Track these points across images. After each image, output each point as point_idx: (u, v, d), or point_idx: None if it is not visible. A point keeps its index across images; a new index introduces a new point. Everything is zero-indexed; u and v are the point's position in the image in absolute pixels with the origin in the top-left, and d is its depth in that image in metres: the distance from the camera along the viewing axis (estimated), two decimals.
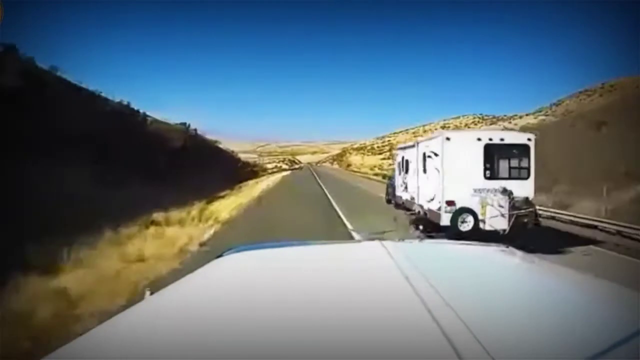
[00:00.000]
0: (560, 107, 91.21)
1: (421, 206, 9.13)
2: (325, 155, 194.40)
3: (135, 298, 1.02)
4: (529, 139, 8.19)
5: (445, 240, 1.69)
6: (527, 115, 76.47)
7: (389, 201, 15.40)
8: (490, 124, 75.99)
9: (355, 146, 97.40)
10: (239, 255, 1.31)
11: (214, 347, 0.69)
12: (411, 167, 10.38)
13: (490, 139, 8.02)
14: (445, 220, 7.73)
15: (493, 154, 7.95)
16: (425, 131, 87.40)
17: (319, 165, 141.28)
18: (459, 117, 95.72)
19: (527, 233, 7.42)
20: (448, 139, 8.05)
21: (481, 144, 7.87)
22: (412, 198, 9.97)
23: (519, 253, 1.40)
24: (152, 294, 1.04)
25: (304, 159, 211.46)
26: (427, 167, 8.85)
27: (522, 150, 8.07)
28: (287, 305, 0.86)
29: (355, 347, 0.67)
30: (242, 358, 0.65)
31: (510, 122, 73.83)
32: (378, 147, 74.51)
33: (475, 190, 7.69)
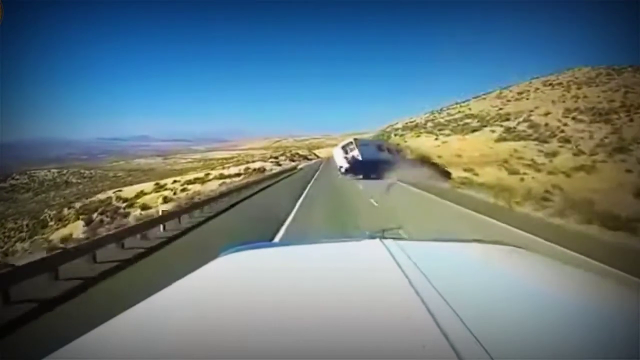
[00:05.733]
0: None
1: (339, 165, 38.20)
2: None
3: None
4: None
5: (447, 239, 1.56)
6: None
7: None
8: (625, 74, 49.62)
9: (398, 126, 70.65)
10: (239, 254, 1.32)
11: (215, 347, 0.69)
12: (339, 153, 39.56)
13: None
14: (341, 167, 37.71)
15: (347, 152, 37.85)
16: (517, 94, 61.88)
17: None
18: (564, 72, 68.12)
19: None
20: (341, 146, 40.55)
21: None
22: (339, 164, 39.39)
23: (522, 252, 1.37)
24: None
25: (323, 152, 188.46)
26: (339, 153, 39.02)
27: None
28: (288, 304, 0.86)
29: (355, 347, 0.67)
30: (243, 358, 0.66)
31: None
32: (447, 120, 48.86)
33: (345, 162, 36.76)
